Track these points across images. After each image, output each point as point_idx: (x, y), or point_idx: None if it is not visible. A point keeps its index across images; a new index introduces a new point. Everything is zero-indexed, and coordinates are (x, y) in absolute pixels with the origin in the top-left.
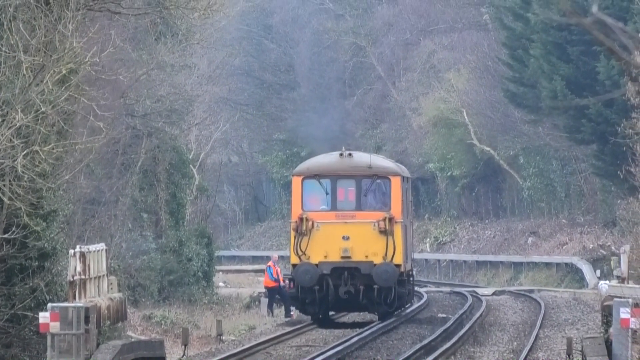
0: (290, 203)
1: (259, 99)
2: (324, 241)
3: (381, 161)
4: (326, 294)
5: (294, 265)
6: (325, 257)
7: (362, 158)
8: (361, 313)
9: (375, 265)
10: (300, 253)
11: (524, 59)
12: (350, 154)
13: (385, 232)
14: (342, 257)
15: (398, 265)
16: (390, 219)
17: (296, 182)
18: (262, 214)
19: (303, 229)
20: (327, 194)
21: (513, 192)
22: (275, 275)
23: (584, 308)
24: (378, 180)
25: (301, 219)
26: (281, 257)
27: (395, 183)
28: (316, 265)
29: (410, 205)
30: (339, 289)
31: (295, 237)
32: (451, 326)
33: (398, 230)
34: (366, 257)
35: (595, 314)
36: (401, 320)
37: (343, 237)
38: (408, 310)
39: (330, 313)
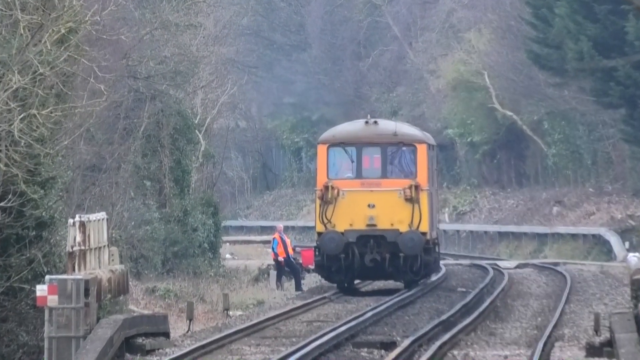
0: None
1: (268, 61)
2: (349, 209)
3: (407, 129)
4: (352, 262)
5: (320, 234)
6: (351, 225)
7: (387, 125)
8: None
9: (401, 233)
10: (325, 221)
11: (549, 18)
12: (375, 122)
13: (411, 200)
14: (368, 225)
15: (424, 233)
16: (416, 187)
17: (321, 150)
18: (271, 181)
19: (328, 197)
20: (352, 161)
21: (537, 159)
22: (279, 248)
23: (612, 282)
24: (404, 148)
25: (326, 187)
26: (290, 227)
27: (422, 151)
28: (342, 233)
29: (435, 174)
30: (364, 257)
31: (320, 206)
32: (471, 301)
33: (424, 198)
34: (392, 225)
35: (624, 288)
36: (417, 295)
37: (369, 205)
38: (433, 279)
39: (356, 281)
